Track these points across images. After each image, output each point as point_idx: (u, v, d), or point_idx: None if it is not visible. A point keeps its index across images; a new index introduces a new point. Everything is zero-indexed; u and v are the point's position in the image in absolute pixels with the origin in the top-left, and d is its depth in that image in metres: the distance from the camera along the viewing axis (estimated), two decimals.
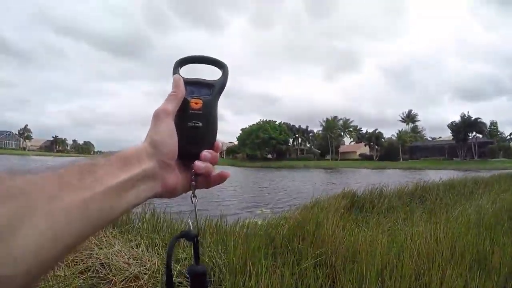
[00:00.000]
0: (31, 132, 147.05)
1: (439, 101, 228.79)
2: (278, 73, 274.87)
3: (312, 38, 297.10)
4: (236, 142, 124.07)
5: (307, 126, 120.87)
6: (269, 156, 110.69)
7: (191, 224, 0.73)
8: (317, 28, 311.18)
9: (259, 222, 5.84)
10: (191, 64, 0.82)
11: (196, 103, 0.74)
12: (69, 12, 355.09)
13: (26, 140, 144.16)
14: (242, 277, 3.27)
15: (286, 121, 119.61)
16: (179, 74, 0.78)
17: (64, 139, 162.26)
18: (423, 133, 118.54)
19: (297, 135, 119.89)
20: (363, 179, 30.69)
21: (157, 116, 0.70)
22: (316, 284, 3.36)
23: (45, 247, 0.44)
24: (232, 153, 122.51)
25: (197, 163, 0.72)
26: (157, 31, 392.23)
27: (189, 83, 0.76)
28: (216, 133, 0.76)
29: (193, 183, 0.73)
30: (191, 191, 0.75)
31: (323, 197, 9.11)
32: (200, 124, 0.73)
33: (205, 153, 0.74)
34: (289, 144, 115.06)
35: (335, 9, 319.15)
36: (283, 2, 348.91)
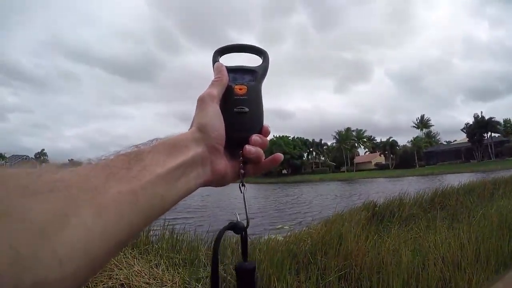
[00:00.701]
0: (47, 156, 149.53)
1: (451, 104, 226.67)
2: (289, 89, 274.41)
3: (320, 51, 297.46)
4: None
5: (320, 139, 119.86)
6: (284, 171, 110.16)
7: (238, 216, 0.70)
8: (324, 41, 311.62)
9: (281, 238, 5.79)
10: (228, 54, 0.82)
11: (240, 89, 0.73)
12: (82, 38, 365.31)
13: (43, 164, 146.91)
14: None
15: (299, 136, 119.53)
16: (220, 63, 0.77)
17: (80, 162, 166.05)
18: (437, 137, 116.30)
19: (311, 149, 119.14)
20: (381, 189, 30.45)
21: (203, 100, 0.68)
22: None
23: (94, 245, 0.40)
24: None
25: (248, 146, 0.70)
26: (168, 54, 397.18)
27: (231, 70, 0.76)
28: (263, 118, 0.74)
29: (242, 171, 0.71)
30: (236, 182, 0.73)
31: (343, 209, 9.03)
32: (247, 110, 0.71)
33: (255, 137, 0.71)
34: (304, 158, 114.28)
35: (340, 21, 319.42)
36: (289, 18, 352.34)
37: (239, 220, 0.69)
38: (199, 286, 3.40)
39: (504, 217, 6.16)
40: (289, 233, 6.35)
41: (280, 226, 11.82)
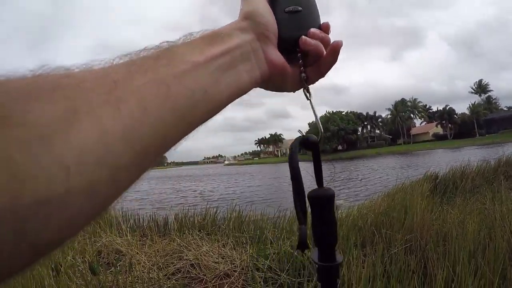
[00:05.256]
0: None
1: (511, 66, 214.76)
2: (341, 62, 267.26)
3: (371, 20, 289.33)
4: None
5: (375, 112, 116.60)
6: (339, 147, 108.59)
7: (302, 132, 0.58)
8: (374, 9, 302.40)
9: (343, 213, 5.78)
10: None
11: None
12: (127, 38, 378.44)
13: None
14: None
15: (353, 110, 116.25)
16: None
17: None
18: (497, 103, 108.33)
19: (365, 123, 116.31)
20: (442, 160, 29.56)
21: None
22: (408, 269, 3.31)
23: (113, 150, 0.31)
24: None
25: (304, 37, 0.57)
26: None
27: None
28: (319, 18, 0.62)
29: (303, 74, 0.58)
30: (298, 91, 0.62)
31: (405, 182, 8.86)
32: (300, 8, 0.60)
33: (314, 30, 0.58)
34: (358, 133, 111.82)
35: None
36: None
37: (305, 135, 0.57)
38: (267, 262, 3.47)
39: None
40: (350, 208, 6.33)
41: (340, 201, 11.75)
